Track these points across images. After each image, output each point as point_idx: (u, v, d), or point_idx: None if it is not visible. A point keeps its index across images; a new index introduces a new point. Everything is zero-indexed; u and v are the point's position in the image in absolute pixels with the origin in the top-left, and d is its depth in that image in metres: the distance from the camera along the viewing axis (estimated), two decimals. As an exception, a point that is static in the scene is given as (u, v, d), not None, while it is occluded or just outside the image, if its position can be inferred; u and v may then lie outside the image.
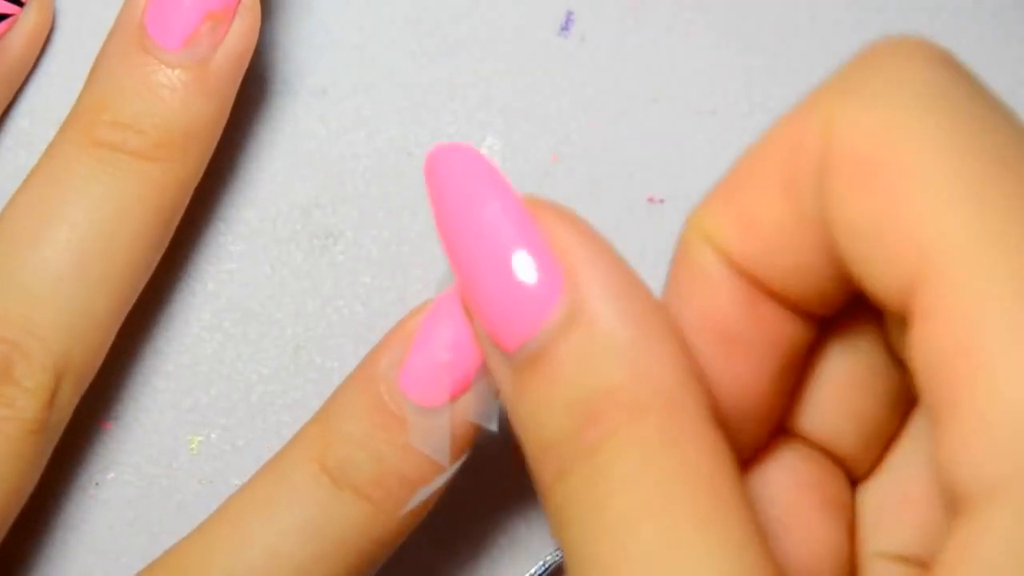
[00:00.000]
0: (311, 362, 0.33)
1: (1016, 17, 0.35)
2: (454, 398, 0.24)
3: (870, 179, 0.18)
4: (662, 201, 0.34)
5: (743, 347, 0.21)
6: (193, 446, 0.32)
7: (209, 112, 0.29)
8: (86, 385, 0.29)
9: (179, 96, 0.28)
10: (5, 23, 0.31)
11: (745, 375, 0.21)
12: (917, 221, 0.18)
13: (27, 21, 0.31)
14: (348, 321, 0.33)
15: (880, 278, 0.18)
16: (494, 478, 0.31)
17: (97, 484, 0.32)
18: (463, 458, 0.25)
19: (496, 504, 0.32)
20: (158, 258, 0.30)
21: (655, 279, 0.34)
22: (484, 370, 0.24)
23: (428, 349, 0.25)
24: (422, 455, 0.25)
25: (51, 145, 0.29)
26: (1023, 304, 0.17)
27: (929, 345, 0.18)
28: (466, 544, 0.32)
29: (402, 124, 0.33)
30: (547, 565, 0.31)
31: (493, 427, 0.25)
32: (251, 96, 0.33)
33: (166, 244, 0.30)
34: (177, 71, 0.28)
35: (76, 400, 0.29)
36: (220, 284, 0.33)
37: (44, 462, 0.29)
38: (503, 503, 0.32)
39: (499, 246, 0.20)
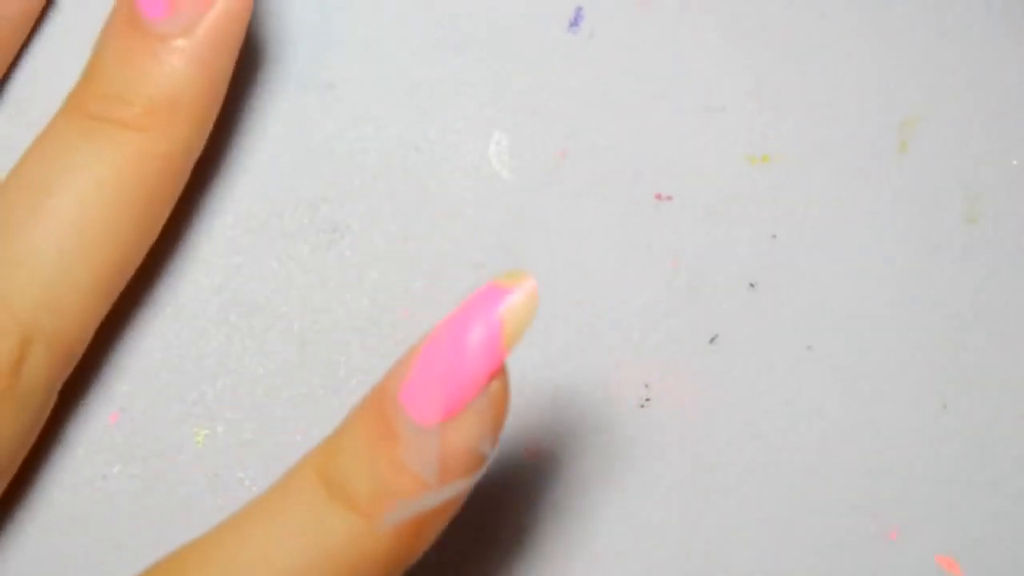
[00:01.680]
0: (317, 356, 0.33)
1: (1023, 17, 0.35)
2: (447, 417, 0.25)
3: None
4: (670, 198, 0.34)
5: None
6: (199, 439, 0.32)
7: (198, 81, 0.29)
8: (71, 357, 0.29)
9: (164, 65, 0.28)
10: None
11: None
12: None
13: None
14: (355, 315, 0.33)
15: None
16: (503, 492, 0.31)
17: (104, 477, 0.32)
18: (460, 485, 0.25)
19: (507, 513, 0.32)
20: (152, 232, 0.29)
21: (661, 276, 0.34)
22: (482, 395, 0.24)
23: (425, 368, 0.25)
24: (415, 473, 0.25)
25: (50, 120, 0.29)
26: None
27: None
28: (478, 545, 0.33)
29: (410, 120, 0.33)
30: None
31: (487, 451, 0.25)
32: (259, 91, 0.33)
33: (160, 218, 0.30)
34: (163, 40, 0.28)
35: (57, 370, 0.28)
36: (227, 277, 0.33)
37: (21, 432, 0.28)
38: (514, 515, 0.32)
39: None
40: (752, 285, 0.34)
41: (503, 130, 0.34)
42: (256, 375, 0.32)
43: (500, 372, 0.25)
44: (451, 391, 0.24)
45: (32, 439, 0.29)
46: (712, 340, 0.34)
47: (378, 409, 0.25)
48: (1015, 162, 0.35)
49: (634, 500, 0.33)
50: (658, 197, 0.34)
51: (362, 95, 0.34)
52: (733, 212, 0.34)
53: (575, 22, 0.34)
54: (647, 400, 0.33)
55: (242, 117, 0.33)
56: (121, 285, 0.29)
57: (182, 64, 0.28)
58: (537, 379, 0.33)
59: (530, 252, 0.33)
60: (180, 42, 0.28)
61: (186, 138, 0.29)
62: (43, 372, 0.28)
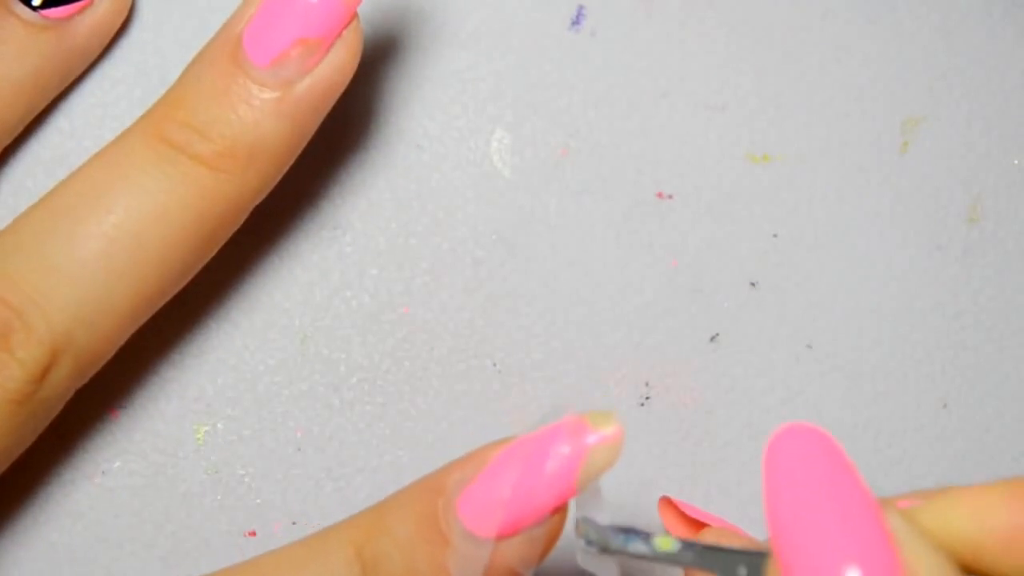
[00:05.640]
0: (318, 353, 0.33)
1: (1028, 17, 0.35)
2: (501, 537, 0.24)
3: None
4: (671, 197, 0.34)
5: None
6: (199, 436, 0.32)
7: (280, 135, 0.29)
8: (90, 372, 0.29)
9: (254, 112, 0.28)
10: (76, 6, 0.31)
11: None
12: None
13: (99, 9, 0.31)
14: (355, 312, 0.33)
15: None
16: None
17: (104, 472, 0.32)
18: None
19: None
20: (195, 266, 0.29)
21: (662, 275, 0.34)
22: (537, 523, 0.24)
23: (493, 481, 0.25)
24: None
25: (124, 131, 0.29)
26: None
27: None
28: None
29: (412, 116, 0.33)
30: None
31: (526, 574, 0.25)
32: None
33: (207, 256, 0.30)
34: (259, 88, 0.28)
35: (75, 384, 0.29)
36: (228, 274, 0.33)
37: (25, 437, 0.28)
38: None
39: (838, 555, 0.20)
40: (753, 284, 0.34)
41: (504, 128, 0.34)
42: (257, 372, 0.32)
43: (563, 508, 0.24)
44: (514, 513, 0.24)
45: (31, 442, 0.29)
46: (713, 339, 0.34)
47: (431, 504, 0.25)
48: (1016, 162, 0.35)
49: (634, 497, 0.33)
50: (659, 196, 0.34)
51: (364, 92, 0.34)
52: (734, 211, 0.34)
53: (577, 20, 0.34)
54: (647, 398, 0.33)
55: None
56: (153, 311, 0.29)
57: (272, 116, 0.28)
58: (538, 377, 0.33)
59: (531, 250, 0.33)
60: (276, 94, 0.28)
61: (255, 187, 0.29)
62: (64, 383, 0.28)
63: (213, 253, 0.30)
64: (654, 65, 0.34)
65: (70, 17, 0.31)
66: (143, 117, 0.29)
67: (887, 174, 0.35)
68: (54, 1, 0.31)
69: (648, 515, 0.33)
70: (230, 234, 0.30)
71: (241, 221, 0.30)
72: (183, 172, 0.28)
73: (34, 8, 0.30)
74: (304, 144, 0.29)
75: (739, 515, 0.33)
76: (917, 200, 0.35)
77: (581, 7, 0.34)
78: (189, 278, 0.30)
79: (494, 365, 0.33)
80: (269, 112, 0.28)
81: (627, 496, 0.33)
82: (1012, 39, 0.35)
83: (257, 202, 0.30)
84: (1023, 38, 0.35)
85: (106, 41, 0.32)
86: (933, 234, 0.35)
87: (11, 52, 0.30)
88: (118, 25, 0.32)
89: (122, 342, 0.29)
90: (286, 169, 0.30)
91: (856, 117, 0.35)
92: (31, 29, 0.30)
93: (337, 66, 0.28)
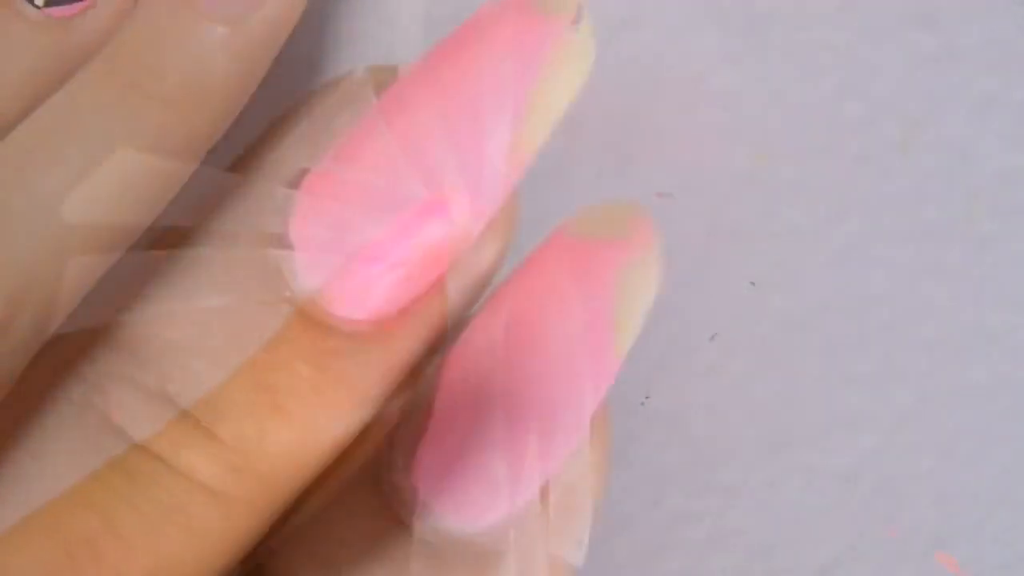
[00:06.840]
0: (318, 353, 0.33)
1: (1022, 12, 0.35)
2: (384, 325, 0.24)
3: None
4: (671, 195, 0.34)
5: None
6: (199, 436, 0.32)
7: (232, 72, 0.28)
8: (51, 325, 0.28)
9: (204, 48, 0.28)
10: (80, 6, 0.31)
11: None
12: None
13: (102, 9, 0.31)
14: (355, 313, 0.33)
15: None
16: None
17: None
18: None
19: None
20: (149, 215, 0.29)
21: (664, 275, 0.34)
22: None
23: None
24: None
25: (73, 77, 0.29)
26: None
27: None
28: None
29: (411, 116, 0.33)
30: None
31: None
32: (260, 86, 0.33)
33: (163, 199, 0.29)
34: (208, 24, 0.28)
35: (36, 337, 0.28)
36: (228, 274, 0.33)
37: None
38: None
39: None
40: (753, 283, 0.34)
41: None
42: (256, 372, 0.32)
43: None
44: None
45: None
46: (712, 338, 0.34)
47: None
48: (1017, 161, 0.35)
49: (632, 498, 0.33)
50: (659, 195, 0.34)
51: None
52: (734, 210, 0.34)
53: (577, 20, 0.34)
54: (647, 398, 0.33)
55: (242, 113, 0.33)
56: (112, 262, 0.29)
57: (223, 51, 0.28)
58: (537, 377, 0.33)
59: (530, 250, 0.33)
60: (227, 30, 0.28)
61: (209, 124, 0.29)
62: (24, 335, 0.28)
63: (167, 201, 0.29)
64: (653, 63, 0.34)
65: (73, 16, 0.31)
66: (93, 61, 0.29)
67: (886, 173, 0.35)
68: (57, 0, 0.31)
69: (647, 515, 0.33)
70: (184, 179, 0.29)
71: (195, 164, 0.29)
72: (135, 111, 0.28)
73: (37, 7, 0.30)
74: (256, 83, 0.29)
75: (741, 515, 0.33)
76: (917, 200, 0.35)
77: (581, 7, 0.34)
78: (144, 227, 0.29)
79: (494, 365, 0.33)
80: (220, 47, 0.28)
81: (626, 496, 0.33)
82: (1012, 39, 0.35)
83: (211, 145, 0.29)
84: (1018, 35, 0.35)
85: (108, 40, 0.32)
86: (933, 233, 0.35)
87: (13, 50, 0.30)
88: (119, 22, 0.32)
89: (82, 294, 0.29)
90: (239, 109, 0.29)
91: (855, 116, 0.35)
92: (34, 27, 0.30)
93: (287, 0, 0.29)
